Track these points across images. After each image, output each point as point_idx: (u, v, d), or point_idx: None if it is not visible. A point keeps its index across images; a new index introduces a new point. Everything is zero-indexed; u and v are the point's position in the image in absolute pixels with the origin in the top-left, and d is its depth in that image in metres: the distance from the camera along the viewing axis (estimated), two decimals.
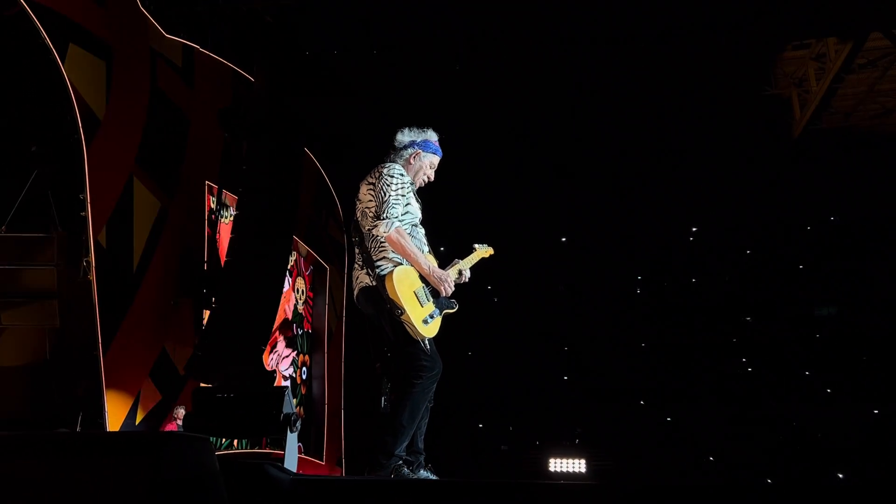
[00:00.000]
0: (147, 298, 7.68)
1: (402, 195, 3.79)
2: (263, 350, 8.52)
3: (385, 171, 3.82)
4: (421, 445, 3.79)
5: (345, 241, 11.95)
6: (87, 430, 6.33)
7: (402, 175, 3.84)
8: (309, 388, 11.35)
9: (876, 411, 12.23)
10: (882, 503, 2.46)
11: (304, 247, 11.17)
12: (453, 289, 3.79)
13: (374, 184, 3.80)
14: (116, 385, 7.07)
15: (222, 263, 8.41)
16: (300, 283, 11.21)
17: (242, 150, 8.66)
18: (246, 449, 9.13)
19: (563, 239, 13.70)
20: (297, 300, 11.05)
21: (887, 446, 11.59)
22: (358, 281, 3.81)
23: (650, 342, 13.67)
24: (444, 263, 4.00)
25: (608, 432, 12.80)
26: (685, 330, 13.24)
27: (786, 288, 13.10)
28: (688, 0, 8.99)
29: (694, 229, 13.47)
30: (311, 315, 11.63)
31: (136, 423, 7.38)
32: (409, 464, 3.64)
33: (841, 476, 11.69)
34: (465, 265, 4.04)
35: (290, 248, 9.59)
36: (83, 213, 6.91)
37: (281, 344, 10.45)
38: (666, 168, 12.33)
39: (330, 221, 12.10)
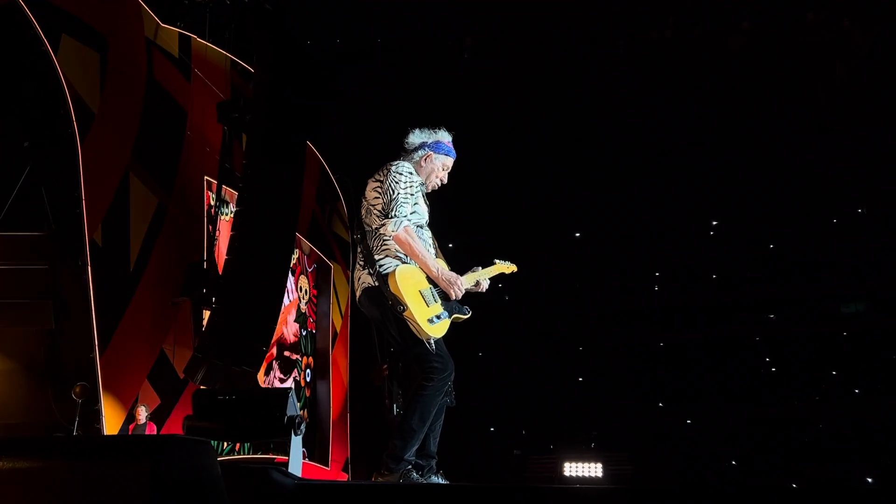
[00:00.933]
0: (144, 299, 7.71)
1: (411, 194, 3.78)
2: (266, 350, 8.54)
3: (394, 168, 3.81)
4: (434, 449, 3.78)
5: (350, 237, 11.98)
6: (84, 434, 6.36)
7: (411, 174, 3.82)
8: (313, 391, 11.38)
9: None
10: None
11: (307, 244, 11.19)
12: (463, 292, 3.78)
13: (381, 181, 3.79)
14: (113, 388, 7.11)
15: (222, 262, 8.43)
16: (303, 282, 11.23)
17: (242, 143, 8.67)
18: (248, 454, 9.17)
19: (577, 234, 13.68)
20: (300, 299, 11.07)
21: None
22: (360, 282, 3.79)
23: (669, 341, 13.64)
24: (451, 261, 4.00)
25: (626, 435, 12.79)
26: (706, 328, 13.21)
27: (811, 284, 13.05)
28: None
29: (714, 223, 13.43)
30: (315, 314, 11.65)
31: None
32: (419, 468, 3.63)
33: (870, 480, 11.64)
34: (484, 275, 4.01)
35: (292, 245, 9.60)
36: (78, 211, 6.94)
37: (276, 370, 10.41)
38: (684, 159, 12.29)
39: (334, 217, 12.11)
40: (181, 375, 7.85)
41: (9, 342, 6.85)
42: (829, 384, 12.82)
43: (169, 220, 8.15)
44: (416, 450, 3.65)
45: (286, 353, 10.59)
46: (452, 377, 3.73)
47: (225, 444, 8.79)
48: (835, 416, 12.42)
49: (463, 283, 3.78)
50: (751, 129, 11.84)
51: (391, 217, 3.68)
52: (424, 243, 3.83)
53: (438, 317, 3.67)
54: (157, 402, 7.74)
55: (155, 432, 6.82)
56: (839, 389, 12.74)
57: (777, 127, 12.00)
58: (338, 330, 12.03)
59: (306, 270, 11.36)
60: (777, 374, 13.15)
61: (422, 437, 3.65)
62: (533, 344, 13.11)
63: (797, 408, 12.56)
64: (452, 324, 3.86)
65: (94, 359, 6.88)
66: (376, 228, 3.76)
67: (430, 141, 4.03)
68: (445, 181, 4.11)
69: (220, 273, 8.17)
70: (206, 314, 8.31)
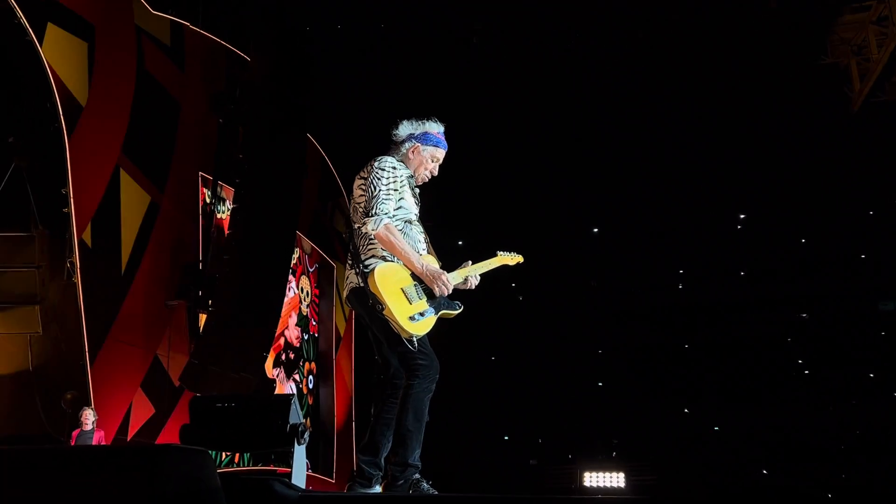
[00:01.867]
0: (137, 302, 7.75)
1: (395, 189, 3.84)
2: (266, 356, 8.58)
3: (376, 164, 3.89)
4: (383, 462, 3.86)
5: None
6: (77, 446, 6.39)
7: (394, 168, 3.89)
8: (316, 399, 11.41)
9: None
10: None
11: (308, 243, 11.21)
12: (450, 289, 3.84)
13: (365, 178, 3.87)
14: (105, 397, 7.14)
15: (219, 262, 8.46)
16: (305, 283, 11.26)
17: (239, 136, 8.70)
18: (249, 465, 9.20)
19: (595, 230, 13.64)
20: (301, 300, 11.10)
21: None
22: (348, 281, 3.90)
23: (694, 343, 13.61)
24: (461, 259, 4.03)
25: (649, 443, 12.77)
26: (733, 329, 13.16)
27: (845, 280, 12.98)
28: None
29: (742, 216, 13.37)
30: (318, 317, 11.68)
31: (128, 438, 7.45)
32: (364, 477, 3.69)
33: None
34: (475, 270, 4.06)
35: (292, 244, 9.63)
36: (66, 210, 6.97)
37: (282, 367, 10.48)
38: (710, 150, 12.24)
39: (336, 214, 12.14)
40: (176, 383, 7.89)
41: None
42: (867, 387, 12.75)
43: (162, 218, 8.18)
44: (419, 453, 3.70)
45: (286, 356, 10.63)
46: (438, 375, 3.81)
47: (224, 455, 8.82)
48: (872, 421, 12.36)
49: (449, 279, 3.84)
50: (780, 117, 11.78)
51: (371, 215, 3.76)
52: (412, 239, 3.90)
53: (422, 314, 3.72)
54: (151, 411, 7.78)
55: (103, 442, 6.78)
56: (877, 392, 12.66)
57: (808, 114, 11.93)
58: (341, 333, 12.06)
59: (308, 271, 11.39)
60: (810, 377, 13.09)
61: (421, 437, 3.71)
62: (549, 347, 13.08)
63: (832, 412, 12.50)
64: (456, 320, 3.91)
65: (84, 366, 6.92)
66: (359, 227, 3.84)
67: (417, 132, 4.10)
68: (436, 173, 4.16)
69: (217, 274, 8.20)
70: (203, 318, 8.35)
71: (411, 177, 4.02)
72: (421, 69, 10.35)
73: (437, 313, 3.82)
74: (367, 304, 3.71)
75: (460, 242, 10.82)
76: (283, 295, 9.08)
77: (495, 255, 4.29)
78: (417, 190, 4.07)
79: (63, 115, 7.00)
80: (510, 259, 4.33)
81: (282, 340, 10.43)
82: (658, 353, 13.49)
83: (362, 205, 3.86)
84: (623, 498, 10.82)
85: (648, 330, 13.56)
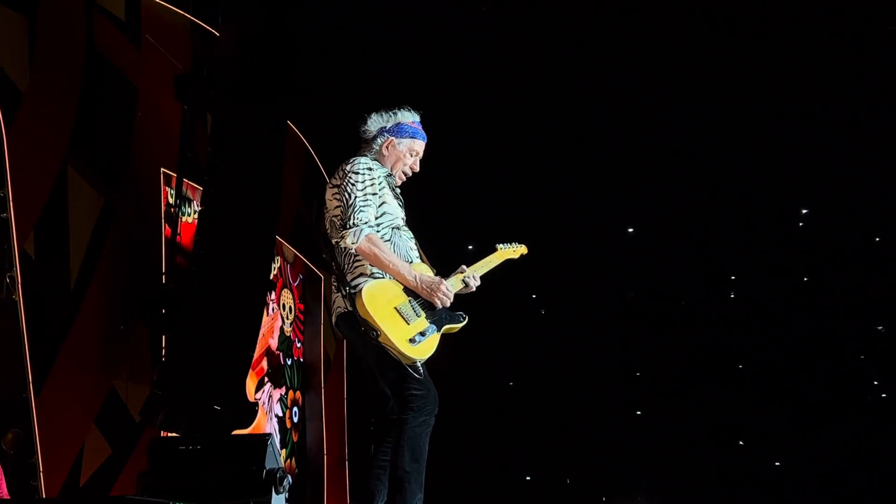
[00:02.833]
0: (90, 323, 7.73)
1: (373, 194, 3.91)
2: (241, 387, 8.54)
3: (348, 168, 3.97)
4: None
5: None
6: (17, 498, 6.36)
7: (369, 170, 3.95)
8: (302, 435, 11.38)
9: None
10: None
11: (290, 250, 11.20)
12: (451, 299, 3.85)
13: (338, 185, 3.91)
14: (54, 436, 7.11)
15: (186, 274, 8.44)
16: (287, 298, 11.24)
17: (207, 125, 8.68)
18: None
19: (630, 230, 13.60)
20: (283, 319, 11.09)
21: None
22: (335, 306, 3.93)
23: (750, 362, 13.53)
24: (469, 264, 4.02)
25: (696, 482, 12.71)
26: (796, 345, 13.08)
27: None
28: None
29: (804, 211, 13.31)
30: (303, 337, 11.66)
31: (81, 484, 7.42)
32: None
33: None
34: (473, 271, 4.09)
35: (272, 251, 9.60)
36: (4, 215, 6.96)
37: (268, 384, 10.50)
38: (764, 133, 12.18)
39: (324, 216, 12.12)
40: (137, 418, 7.86)
41: None
42: None
43: (118, 223, 8.17)
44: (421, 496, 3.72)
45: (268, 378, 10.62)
46: (436, 408, 3.82)
47: None
48: None
49: (449, 288, 3.86)
50: (845, 91, 11.73)
51: (348, 227, 3.81)
52: (402, 248, 3.94)
53: (423, 333, 3.76)
54: (107, 452, 7.75)
55: (4, 486, 6.69)
56: None
57: (880, 89, 11.87)
58: (331, 356, 12.03)
59: (290, 283, 11.37)
60: (890, 401, 13.00)
61: (421, 478, 3.74)
62: (576, 368, 13.01)
63: None
64: (465, 339, 3.94)
65: (27, 399, 6.89)
66: (338, 242, 3.89)
67: (389, 125, 4.20)
68: (417, 169, 4.22)
69: (182, 289, 8.17)
70: (167, 341, 8.32)
71: (389, 175, 4.06)
72: (428, 40, 10.36)
73: (439, 330, 3.86)
74: (360, 330, 3.72)
75: (470, 247, 10.78)
76: (262, 312, 9.05)
77: (495, 250, 4.31)
78: (399, 190, 4.10)
79: (0, 104, 6.99)
80: (513, 252, 4.38)
81: (264, 363, 10.43)
82: (707, 376, 13.41)
83: (339, 217, 3.89)
84: None
85: (694, 348, 13.48)
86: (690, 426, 12.84)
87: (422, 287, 3.75)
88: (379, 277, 3.76)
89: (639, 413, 13.50)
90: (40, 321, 7.10)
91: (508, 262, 4.44)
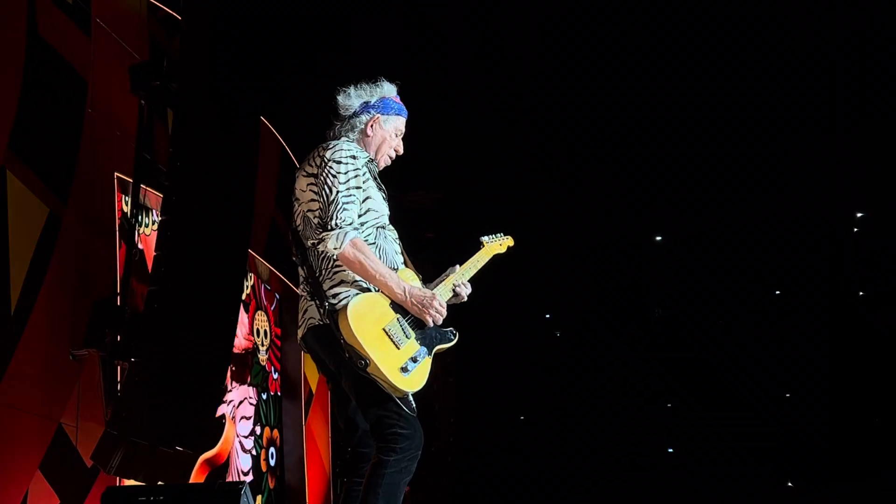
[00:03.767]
0: (33, 352, 7.71)
1: (357, 187, 3.86)
2: (210, 424, 8.53)
3: (328, 154, 3.91)
4: None
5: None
6: None
7: (352, 158, 3.91)
8: (280, 478, 11.35)
9: None
10: None
11: (264, 266, 11.19)
12: (444, 314, 3.82)
13: (315, 175, 3.86)
14: None
15: (143, 295, 8.44)
16: (261, 321, 11.22)
17: (167, 123, 8.68)
18: None
19: (658, 238, 13.63)
20: (258, 347, 11.07)
21: None
22: (306, 316, 3.90)
23: (798, 390, 13.56)
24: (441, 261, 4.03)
25: None
26: (853, 369, 13.10)
27: None
28: None
29: (859, 215, 13.34)
30: (281, 366, 11.64)
31: None
32: None
33: None
34: (462, 275, 4.07)
35: (244, 267, 9.60)
36: None
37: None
38: (809, 126, 12.22)
39: (294, 208, 12.13)
40: (88, 463, 7.84)
41: None
42: None
43: (65, 237, 8.15)
44: None
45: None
46: (420, 452, 3.80)
47: None
48: None
49: (443, 303, 3.84)
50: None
51: (330, 229, 3.75)
52: (388, 252, 3.91)
53: (415, 359, 3.75)
54: (55, 502, 7.73)
55: None
56: None
57: None
58: (313, 389, 12.01)
59: (264, 305, 11.35)
60: None
61: None
62: (597, 399, 13.05)
63: None
64: (469, 366, 3.95)
65: None
66: (315, 244, 3.84)
67: (374, 100, 4.17)
68: (401, 151, 4.18)
69: (140, 312, 8.16)
70: (123, 372, 8.31)
71: (372, 161, 4.01)
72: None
73: (430, 353, 3.82)
74: (335, 350, 3.68)
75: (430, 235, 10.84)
76: (233, 336, 9.05)
77: (480, 246, 4.29)
78: (379, 180, 4.06)
79: None
80: (499, 245, 4.37)
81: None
82: (747, 405, 13.44)
83: (315, 213, 3.84)
84: None
85: (732, 373, 13.51)
86: (729, 465, 12.87)
87: (411, 302, 3.69)
88: (361, 285, 3.71)
89: (670, 450, 13.53)
90: None
91: (496, 258, 4.40)
